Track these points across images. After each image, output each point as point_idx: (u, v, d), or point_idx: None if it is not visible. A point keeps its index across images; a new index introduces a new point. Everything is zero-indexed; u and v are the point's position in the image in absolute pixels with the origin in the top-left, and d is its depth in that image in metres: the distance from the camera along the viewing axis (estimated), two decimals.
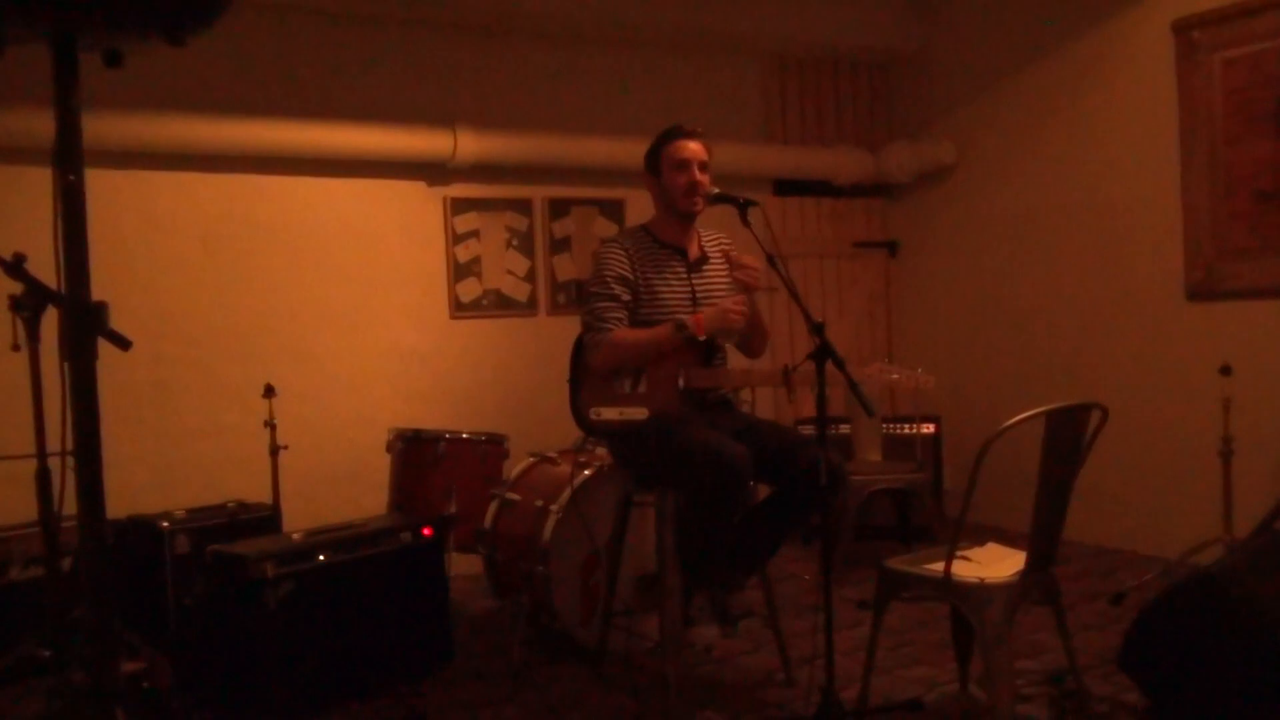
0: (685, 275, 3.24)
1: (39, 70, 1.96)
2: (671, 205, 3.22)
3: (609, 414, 3.14)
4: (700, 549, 3.03)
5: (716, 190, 3.14)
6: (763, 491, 3.72)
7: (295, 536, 3.37)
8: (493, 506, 3.88)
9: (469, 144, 4.85)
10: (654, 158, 3.25)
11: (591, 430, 3.25)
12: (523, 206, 5.25)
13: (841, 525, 4.49)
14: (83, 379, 1.89)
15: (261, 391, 4.13)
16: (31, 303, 2.56)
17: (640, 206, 5.45)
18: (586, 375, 3.24)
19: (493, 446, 4.18)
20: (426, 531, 3.56)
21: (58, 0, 1.75)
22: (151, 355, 4.40)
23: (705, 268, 3.30)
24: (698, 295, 3.23)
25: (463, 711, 3.23)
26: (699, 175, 3.18)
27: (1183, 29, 4.54)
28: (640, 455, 3.15)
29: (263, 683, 3.10)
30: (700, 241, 3.34)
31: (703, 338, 3.09)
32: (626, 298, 3.16)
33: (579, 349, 3.29)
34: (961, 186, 5.77)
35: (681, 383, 3.09)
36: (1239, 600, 2.65)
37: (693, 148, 3.19)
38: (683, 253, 3.27)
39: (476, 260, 5.15)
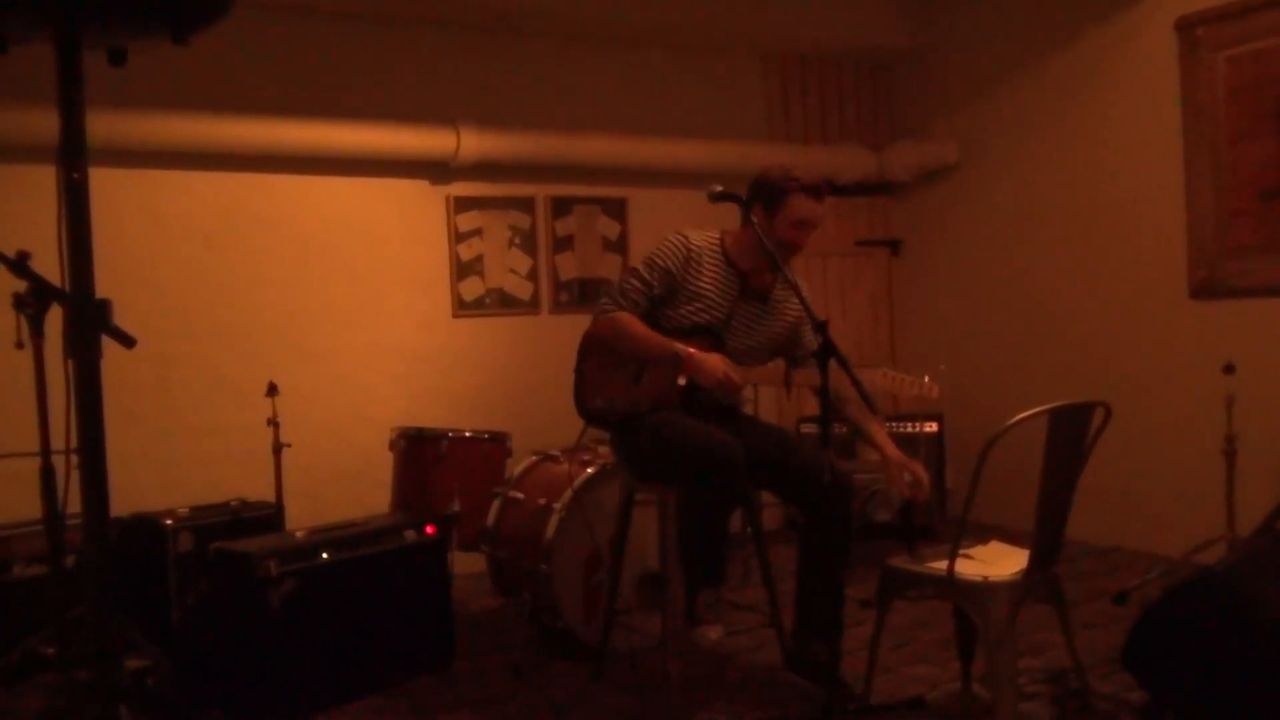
0: (735, 295, 3.16)
1: (44, 68, 1.96)
2: (764, 247, 3.00)
3: (610, 403, 3.15)
4: (698, 544, 3.02)
5: (719, 188, 3.10)
6: (764, 496, 3.73)
7: (298, 535, 3.37)
8: (495, 505, 3.88)
9: (472, 143, 4.85)
10: (774, 195, 3.09)
11: (590, 418, 3.25)
12: (525, 205, 5.25)
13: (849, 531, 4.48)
14: (87, 376, 1.89)
15: (265, 390, 4.13)
16: (36, 300, 2.56)
17: (642, 205, 5.46)
18: (591, 364, 3.23)
19: (495, 445, 4.18)
20: (429, 530, 3.56)
21: None
22: (155, 353, 4.40)
23: (759, 301, 3.20)
24: (735, 319, 3.16)
25: (465, 710, 3.23)
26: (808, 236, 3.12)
27: (1186, 26, 4.53)
28: (637, 448, 3.16)
29: (265, 680, 3.10)
30: (775, 280, 3.23)
31: (682, 382, 3.04)
32: (658, 291, 3.13)
33: (587, 338, 3.28)
34: (965, 185, 5.77)
35: (681, 380, 3.09)
36: (1242, 599, 2.65)
37: (819, 211, 3.10)
38: (745, 275, 3.18)
39: (479, 259, 5.15)
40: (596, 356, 3.24)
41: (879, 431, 3.13)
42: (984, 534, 3.21)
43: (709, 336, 3.12)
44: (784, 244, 3.08)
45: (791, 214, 3.08)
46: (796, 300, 3.11)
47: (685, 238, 3.18)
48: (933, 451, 5.19)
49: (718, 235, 3.23)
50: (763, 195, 3.12)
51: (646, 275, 3.14)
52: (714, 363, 2.99)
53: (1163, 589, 2.92)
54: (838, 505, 3.00)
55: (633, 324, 3.11)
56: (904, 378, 2.95)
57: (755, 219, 3.09)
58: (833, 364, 2.58)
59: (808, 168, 3.17)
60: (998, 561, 2.85)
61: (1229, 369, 4.00)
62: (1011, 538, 3.12)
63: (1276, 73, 4.22)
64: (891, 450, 3.06)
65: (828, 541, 3.05)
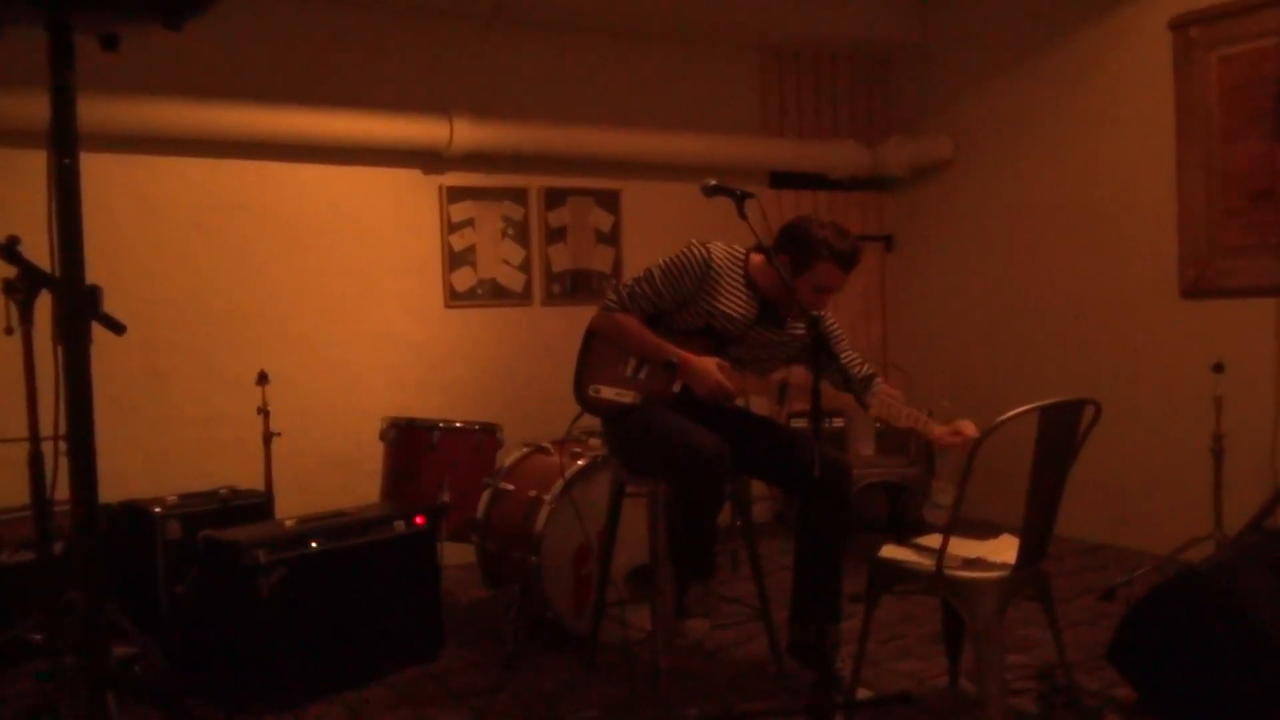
0: (754, 319, 3.12)
1: (35, 53, 1.95)
2: (785, 293, 3.02)
3: (605, 393, 3.15)
4: (687, 538, 3.02)
5: (714, 182, 3.07)
6: (758, 488, 3.72)
7: (288, 523, 3.36)
8: (485, 496, 3.88)
9: (465, 133, 4.83)
10: (804, 254, 3.00)
11: (586, 406, 3.25)
12: (518, 196, 5.24)
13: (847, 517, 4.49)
14: (76, 362, 1.89)
15: (255, 378, 4.12)
16: (25, 286, 2.55)
17: (636, 198, 5.45)
18: (592, 353, 3.23)
19: (486, 436, 4.17)
20: (419, 520, 3.55)
21: None
22: (145, 341, 4.39)
23: (776, 327, 3.16)
24: (748, 336, 3.14)
25: (454, 701, 3.23)
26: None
27: (1180, 26, 4.54)
28: (626, 441, 3.16)
29: (253, 669, 3.10)
30: (797, 309, 3.11)
31: (676, 389, 3.06)
32: (667, 303, 3.10)
33: (592, 328, 3.27)
34: (958, 181, 5.78)
35: (675, 387, 3.09)
36: (1228, 597, 2.67)
37: (844, 280, 3.05)
38: (767, 302, 3.14)
39: (471, 249, 5.14)
40: (600, 344, 3.23)
41: (916, 418, 2.96)
42: (973, 530, 3.21)
43: (710, 338, 3.11)
44: (800, 301, 2.99)
45: (815, 280, 3.02)
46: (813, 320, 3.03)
47: (707, 252, 3.08)
48: (923, 446, 5.20)
49: (743, 254, 3.15)
50: (792, 249, 3.03)
51: (660, 285, 3.09)
52: (707, 370, 2.98)
53: (1150, 586, 2.94)
54: (834, 491, 2.99)
55: (632, 326, 3.11)
56: (907, 408, 2.92)
57: (776, 259, 3.02)
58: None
59: (841, 229, 3.05)
60: (995, 555, 2.85)
61: (1218, 368, 4.02)
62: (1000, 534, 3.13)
63: (1269, 73, 4.23)
64: (936, 432, 2.90)
65: (824, 528, 3.06)
